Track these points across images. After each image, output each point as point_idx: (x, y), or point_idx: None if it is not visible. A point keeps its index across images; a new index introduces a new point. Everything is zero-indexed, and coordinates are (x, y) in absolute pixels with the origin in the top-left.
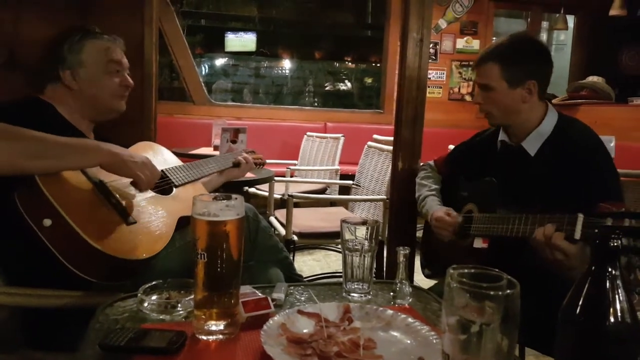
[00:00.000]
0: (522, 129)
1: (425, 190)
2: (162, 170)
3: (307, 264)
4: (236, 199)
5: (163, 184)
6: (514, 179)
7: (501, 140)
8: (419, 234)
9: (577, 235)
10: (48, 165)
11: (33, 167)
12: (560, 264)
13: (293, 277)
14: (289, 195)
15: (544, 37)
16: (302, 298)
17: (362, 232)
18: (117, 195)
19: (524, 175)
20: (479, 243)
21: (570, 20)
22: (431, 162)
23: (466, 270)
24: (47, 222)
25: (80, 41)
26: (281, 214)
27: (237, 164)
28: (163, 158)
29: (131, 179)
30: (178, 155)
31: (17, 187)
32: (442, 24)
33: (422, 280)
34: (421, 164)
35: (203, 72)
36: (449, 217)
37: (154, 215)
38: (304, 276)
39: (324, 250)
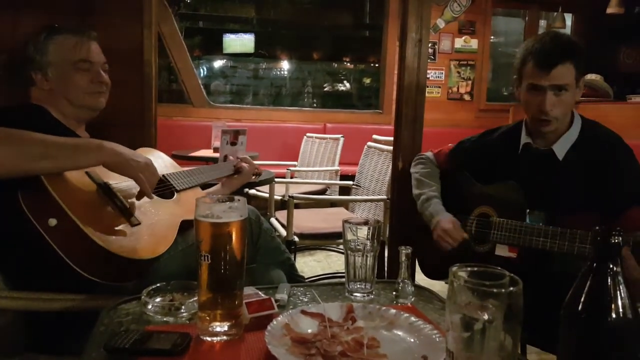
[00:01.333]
0: (556, 132)
1: (427, 190)
2: (163, 175)
3: (309, 264)
4: (239, 200)
5: (164, 189)
6: (540, 183)
7: (526, 143)
8: None
9: None
10: (52, 166)
11: (37, 169)
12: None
13: (295, 278)
14: (289, 197)
15: None
16: (305, 298)
17: (363, 232)
18: (121, 197)
19: (552, 179)
20: (503, 251)
21: (568, 18)
22: (429, 155)
23: (469, 269)
24: (53, 221)
25: (45, 40)
26: (282, 215)
27: (238, 171)
28: (163, 163)
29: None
30: (178, 157)
31: (20, 187)
32: (440, 23)
33: (423, 279)
34: (418, 155)
35: (201, 74)
36: (456, 231)
37: (157, 218)
38: (306, 277)
39: (325, 250)
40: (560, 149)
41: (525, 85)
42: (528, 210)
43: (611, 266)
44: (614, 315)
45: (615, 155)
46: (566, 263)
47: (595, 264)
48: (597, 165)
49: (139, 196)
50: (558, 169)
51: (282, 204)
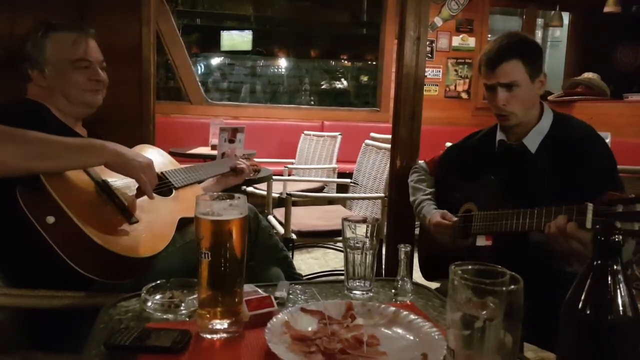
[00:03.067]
0: (525, 127)
1: (420, 194)
2: (162, 173)
3: (306, 262)
4: (239, 198)
5: (163, 186)
6: (515, 176)
7: (500, 140)
8: (416, 231)
9: (588, 224)
10: (53, 166)
11: (38, 168)
12: (579, 253)
13: (293, 276)
14: (287, 194)
15: (539, 34)
16: (304, 296)
17: (362, 230)
18: (120, 195)
19: (526, 172)
20: (482, 241)
21: (565, 17)
22: (422, 164)
23: (469, 267)
24: (51, 219)
25: (43, 37)
26: (279, 212)
27: (235, 170)
28: (162, 160)
29: (135, 180)
30: (175, 155)
31: (18, 185)
32: (438, 21)
33: (421, 278)
34: (414, 166)
35: (199, 72)
36: (445, 221)
37: (155, 215)
38: (303, 275)
39: (323, 248)
40: (532, 142)
41: (483, 86)
42: (500, 202)
43: (611, 265)
44: (614, 314)
45: (587, 144)
46: (539, 244)
47: (595, 263)
48: (570, 156)
49: (139, 195)
50: (531, 162)
51: (280, 202)
